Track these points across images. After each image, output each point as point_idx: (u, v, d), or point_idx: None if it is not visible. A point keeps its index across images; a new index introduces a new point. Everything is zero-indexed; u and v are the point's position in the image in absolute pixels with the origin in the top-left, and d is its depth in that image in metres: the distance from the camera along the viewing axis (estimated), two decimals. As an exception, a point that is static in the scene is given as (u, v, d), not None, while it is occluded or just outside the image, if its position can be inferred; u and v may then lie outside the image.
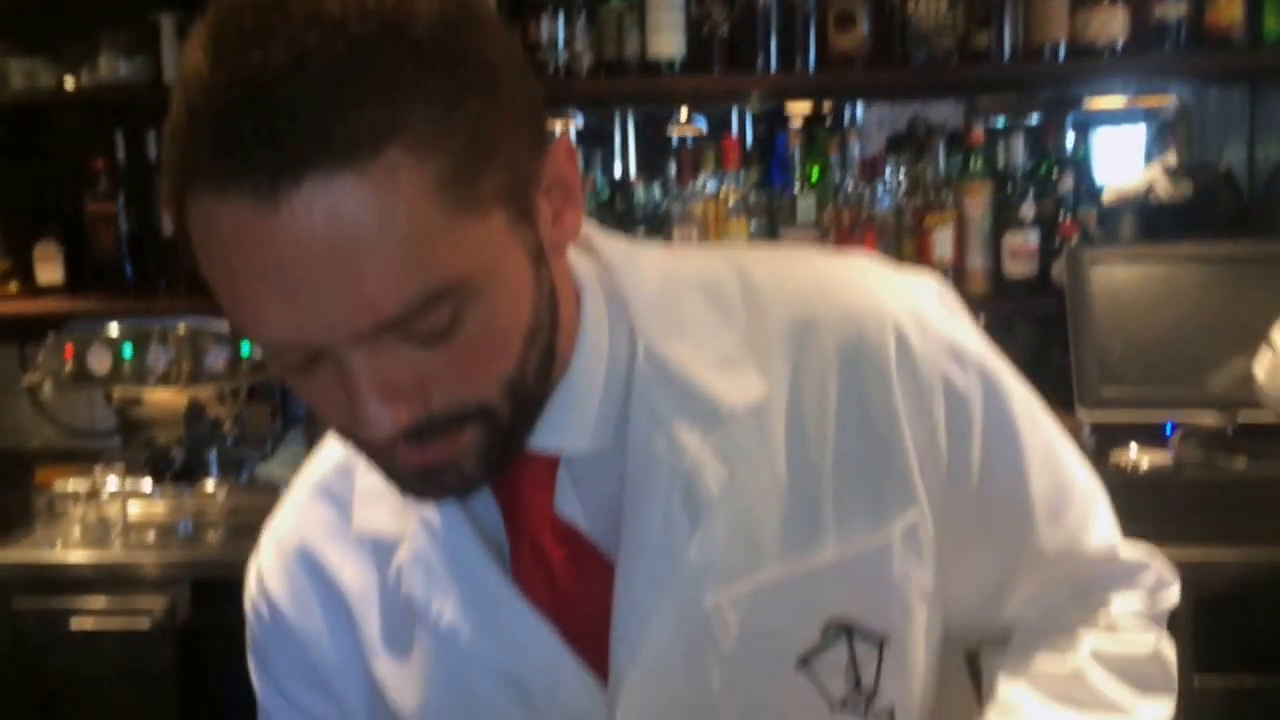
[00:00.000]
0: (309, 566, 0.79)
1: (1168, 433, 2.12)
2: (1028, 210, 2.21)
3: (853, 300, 0.74)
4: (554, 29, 2.28)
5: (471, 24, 0.60)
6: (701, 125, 2.78)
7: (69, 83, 2.43)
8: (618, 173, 2.68)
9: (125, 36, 2.44)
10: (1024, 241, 2.21)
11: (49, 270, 2.44)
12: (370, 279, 0.57)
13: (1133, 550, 0.86)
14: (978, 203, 2.22)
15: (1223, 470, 2.05)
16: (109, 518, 2.27)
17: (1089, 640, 0.83)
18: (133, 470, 2.36)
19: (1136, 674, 0.83)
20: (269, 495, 2.29)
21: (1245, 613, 1.85)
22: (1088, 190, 2.31)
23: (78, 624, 2.09)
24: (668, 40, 2.25)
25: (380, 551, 0.76)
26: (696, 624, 0.71)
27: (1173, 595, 0.87)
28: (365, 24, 0.56)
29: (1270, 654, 1.87)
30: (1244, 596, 1.83)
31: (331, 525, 0.79)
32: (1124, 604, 0.85)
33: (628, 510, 0.71)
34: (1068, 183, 2.25)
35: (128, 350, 2.32)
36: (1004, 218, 2.23)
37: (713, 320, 0.73)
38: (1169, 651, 0.85)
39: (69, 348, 2.32)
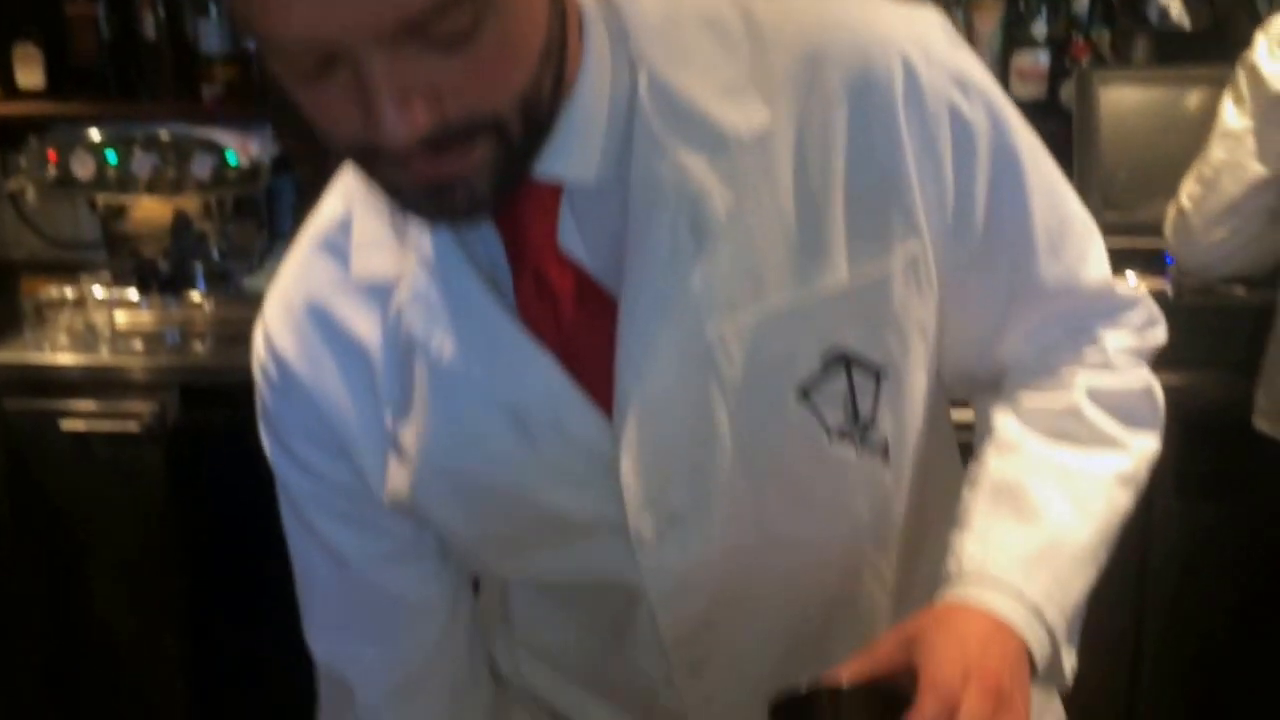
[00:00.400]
0: (319, 320, 0.77)
1: (1168, 260, 2.08)
2: (1039, 29, 2.14)
3: (859, 32, 0.72)
4: None
5: None
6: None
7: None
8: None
9: None
10: (1034, 62, 2.15)
11: (29, 73, 2.37)
12: None
13: (1124, 287, 0.85)
14: (988, 18, 2.15)
15: (1221, 297, 2.02)
16: (96, 324, 2.25)
17: (1083, 377, 0.82)
18: (119, 281, 2.34)
19: (1128, 409, 0.83)
20: (257, 306, 2.29)
21: (1239, 439, 1.85)
22: (1102, 10, 2.23)
23: (68, 425, 2.09)
24: None
25: (381, 296, 0.75)
26: (700, 352, 0.71)
27: (1161, 333, 0.86)
28: None
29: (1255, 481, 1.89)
30: (1241, 421, 1.83)
31: (338, 278, 0.77)
32: (1116, 340, 0.84)
33: (631, 241, 0.71)
34: (1082, 2, 2.17)
35: (112, 156, 2.27)
36: (1014, 35, 2.15)
37: (716, 51, 0.72)
38: (1157, 387, 0.85)
39: (51, 153, 2.26)
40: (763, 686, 0.71)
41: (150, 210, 2.35)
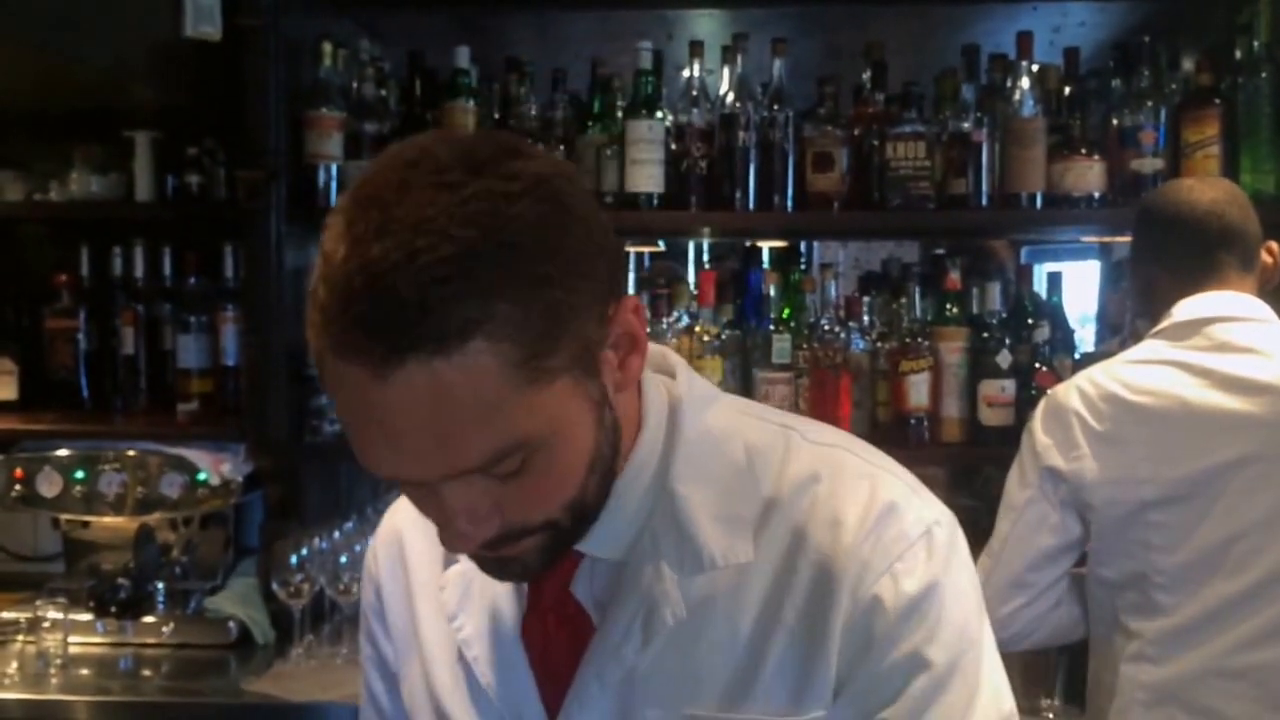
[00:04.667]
0: (399, 547, 0.98)
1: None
2: (1004, 359, 2.19)
3: (853, 527, 0.82)
4: (532, 159, 2.27)
5: (563, 222, 0.72)
6: (659, 242, 2.77)
7: (40, 197, 2.40)
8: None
9: (98, 152, 2.42)
10: (1000, 391, 2.19)
11: (3, 386, 2.37)
12: (455, 439, 0.71)
13: None
14: (954, 348, 2.20)
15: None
16: (49, 651, 2.16)
17: None
18: (75, 601, 2.26)
19: None
20: (216, 631, 2.24)
21: None
22: (1063, 340, 2.30)
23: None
24: (647, 175, 2.25)
25: (447, 557, 0.93)
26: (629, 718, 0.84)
27: None
28: (466, 229, 0.69)
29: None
30: None
31: (420, 521, 0.88)
32: None
33: (610, 610, 0.85)
34: (1044, 332, 2.23)
35: (80, 474, 2.25)
36: (981, 365, 2.21)
37: (740, 481, 0.85)
38: None
39: (18, 471, 2.24)
40: None
41: (114, 522, 2.31)
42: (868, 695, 0.81)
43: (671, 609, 0.82)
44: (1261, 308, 1.72)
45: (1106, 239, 2.64)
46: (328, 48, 2.28)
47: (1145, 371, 1.69)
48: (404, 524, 0.99)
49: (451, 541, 0.77)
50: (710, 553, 0.83)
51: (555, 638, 0.88)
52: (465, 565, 0.90)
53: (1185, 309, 1.71)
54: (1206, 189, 1.77)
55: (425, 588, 0.95)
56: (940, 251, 2.69)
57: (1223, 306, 1.70)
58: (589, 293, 0.73)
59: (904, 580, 0.81)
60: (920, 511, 0.84)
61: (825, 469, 0.85)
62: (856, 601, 0.81)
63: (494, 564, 0.82)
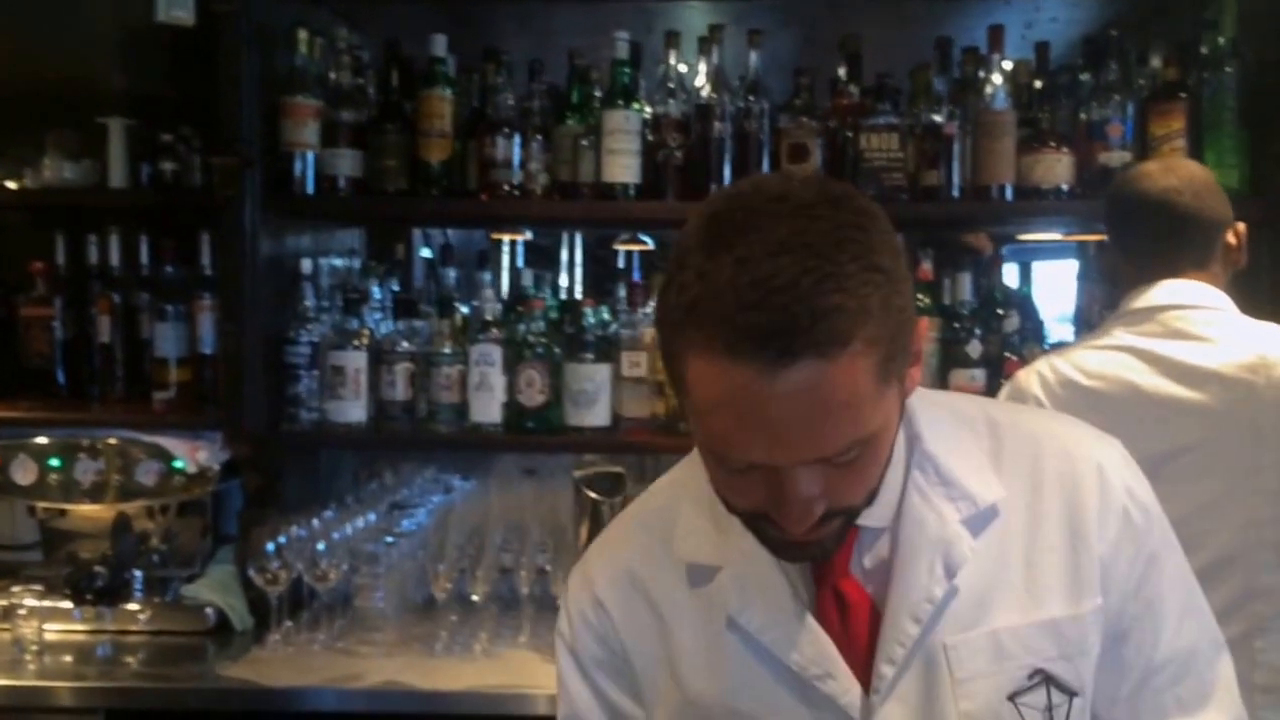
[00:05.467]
0: (636, 583, 1.06)
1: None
2: (974, 348, 2.23)
3: (1068, 442, 1.03)
4: (509, 149, 2.28)
5: (898, 250, 0.86)
6: (646, 240, 2.78)
7: (13, 185, 2.38)
8: (564, 285, 2.68)
9: (72, 138, 2.40)
10: (970, 380, 2.23)
11: (-23, 374, 2.37)
12: (827, 430, 0.84)
13: (1233, 709, 1.04)
14: (926, 338, 2.23)
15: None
16: (25, 637, 2.16)
17: None
18: (53, 588, 2.26)
19: None
20: (194, 618, 2.24)
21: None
22: (1033, 330, 2.34)
23: (-18, 756, 1.98)
24: (623, 165, 2.26)
25: (695, 574, 1.03)
26: (938, 654, 0.97)
27: None
28: (841, 253, 0.82)
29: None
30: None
31: (653, 552, 1.06)
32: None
33: (898, 566, 0.98)
34: (1014, 322, 2.27)
35: (55, 462, 2.24)
36: (952, 354, 2.24)
37: (966, 439, 1.02)
38: None
39: (-7, 458, 2.23)
40: None
41: (91, 510, 2.31)
42: (1125, 583, 1.00)
43: (968, 544, 0.98)
44: (1215, 295, 1.75)
45: (1082, 237, 2.67)
46: (303, 35, 2.28)
47: (1100, 357, 1.73)
48: (634, 557, 1.07)
49: (789, 520, 0.89)
50: (978, 493, 0.99)
51: (852, 614, 0.99)
52: (735, 570, 1.01)
53: (1141, 296, 1.75)
54: (1163, 176, 1.78)
55: (678, 611, 1.04)
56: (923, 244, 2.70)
57: (1175, 294, 1.74)
58: (910, 305, 0.88)
59: (1138, 492, 1.02)
60: (1100, 433, 1.07)
61: (1019, 415, 1.11)
62: (1107, 507, 0.99)
63: (795, 548, 0.93)
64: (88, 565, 2.27)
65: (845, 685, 0.98)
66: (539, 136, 2.30)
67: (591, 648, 1.07)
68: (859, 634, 0.99)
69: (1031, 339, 2.31)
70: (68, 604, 2.24)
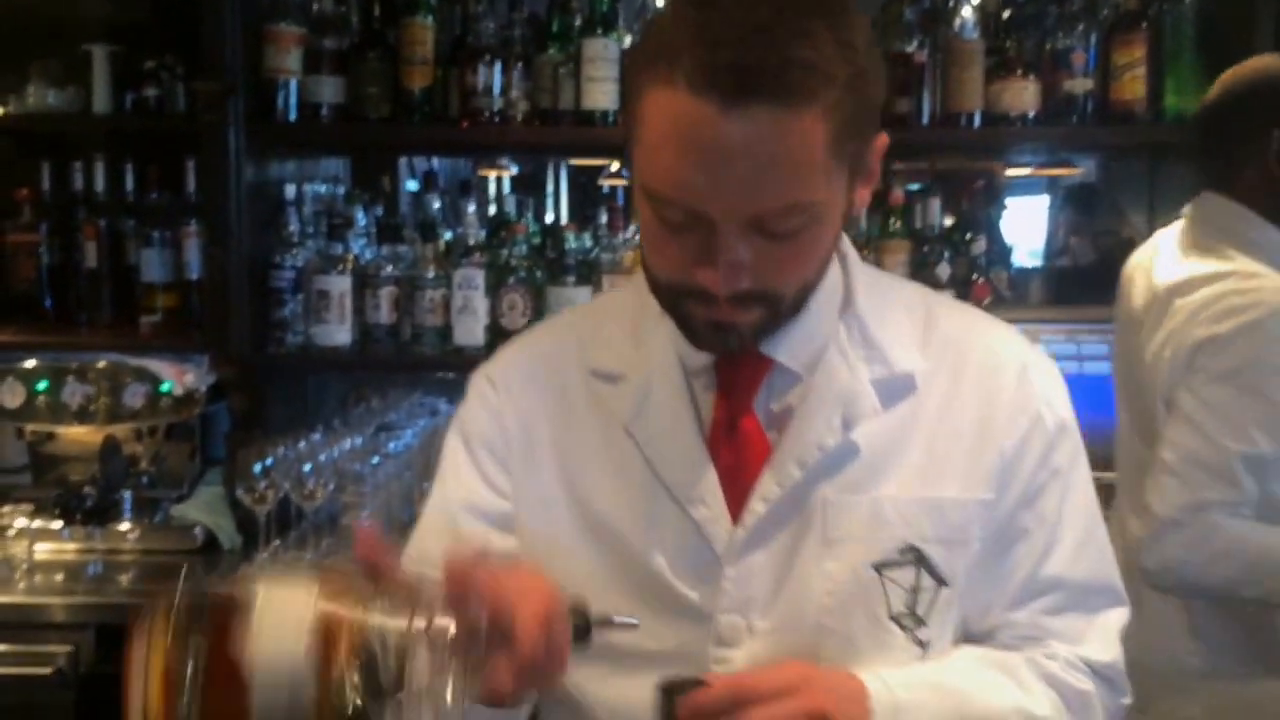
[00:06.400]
0: (544, 370, 1.05)
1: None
2: (943, 271, 2.30)
3: (999, 340, 1.03)
4: (490, 76, 2.32)
5: (870, 42, 0.88)
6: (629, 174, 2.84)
7: (-5, 111, 2.40)
8: (549, 218, 2.72)
9: (55, 66, 2.42)
10: (940, 300, 2.30)
11: (-38, 301, 2.39)
12: (770, 180, 0.84)
13: (1106, 655, 1.01)
14: (897, 261, 2.31)
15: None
16: (14, 556, 2.20)
17: (1041, 656, 0.99)
18: (42, 509, 2.30)
19: (1064, 693, 0.98)
20: (184, 538, 2.28)
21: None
22: (999, 253, 2.41)
23: (-23, 667, 2.02)
24: (602, 93, 2.31)
25: (602, 379, 1.02)
26: (816, 509, 0.96)
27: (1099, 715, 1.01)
28: (818, 19, 0.83)
29: None
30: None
31: (568, 350, 1.05)
32: (1080, 654, 1.00)
33: (799, 413, 0.97)
34: (981, 245, 2.35)
35: (43, 385, 2.27)
36: (921, 277, 2.31)
37: (900, 314, 1.02)
38: (1097, 703, 0.99)
39: (-20, 381, 2.26)
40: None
41: (80, 434, 2.34)
42: (1024, 487, 0.98)
43: (870, 402, 0.97)
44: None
45: (1049, 170, 2.74)
46: (286, -38, 2.30)
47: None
48: (545, 351, 1.07)
49: (716, 281, 0.87)
50: (896, 359, 0.99)
51: (740, 444, 0.98)
52: (639, 380, 1.00)
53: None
54: (1213, 89, 1.78)
55: (578, 406, 1.02)
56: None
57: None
58: (874, 103, 0.89)
59: (1057, 403, 1.00)
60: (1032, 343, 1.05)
61: (955, 308, 1.08)
62: (1020, 405, 0.98)
63: (713, 329, 0.92)
64: (77, 486, 2.30)
65: (715, 513, 0.96)
66: (520, 64, 2.34)
67: (482, 422, 1.05)
68: (749, 476, 0.97)
69: (998, 262, 2.38)
70: (58, 524, 2.27)
